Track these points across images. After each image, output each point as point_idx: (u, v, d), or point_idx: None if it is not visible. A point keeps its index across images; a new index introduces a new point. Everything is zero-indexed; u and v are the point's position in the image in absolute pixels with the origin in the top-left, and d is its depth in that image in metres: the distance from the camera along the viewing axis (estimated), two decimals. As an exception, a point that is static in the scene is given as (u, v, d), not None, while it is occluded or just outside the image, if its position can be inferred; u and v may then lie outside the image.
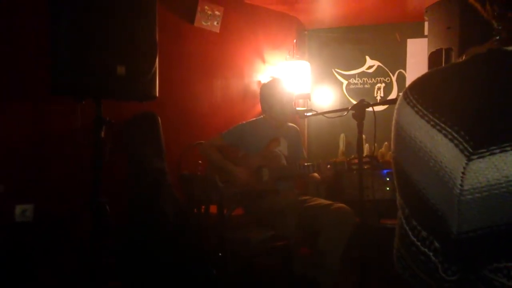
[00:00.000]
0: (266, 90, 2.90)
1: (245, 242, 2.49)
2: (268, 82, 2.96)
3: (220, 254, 2.50)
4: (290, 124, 3.02)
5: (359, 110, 2.16)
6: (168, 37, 3.13)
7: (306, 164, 2.75)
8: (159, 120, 3.02)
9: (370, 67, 4.13)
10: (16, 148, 2.57)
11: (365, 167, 2.48)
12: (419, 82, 0.72)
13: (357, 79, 4.16)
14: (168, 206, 2.85)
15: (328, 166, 2.61)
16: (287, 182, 2.83)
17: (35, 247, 2.50)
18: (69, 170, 2.71)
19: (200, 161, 2.97)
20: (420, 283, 0.72)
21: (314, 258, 2.57)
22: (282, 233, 2.53)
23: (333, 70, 4.21)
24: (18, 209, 2.50)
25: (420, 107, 0.68)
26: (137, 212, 2.81)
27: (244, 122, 2.95)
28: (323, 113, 2.65)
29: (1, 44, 2.56)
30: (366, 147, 3.60)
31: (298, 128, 3.07)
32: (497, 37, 0.74)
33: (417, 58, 3.91)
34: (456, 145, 0.62)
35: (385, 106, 3.63)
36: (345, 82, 4.19)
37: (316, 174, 2.79)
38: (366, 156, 2.53)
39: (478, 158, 0.60)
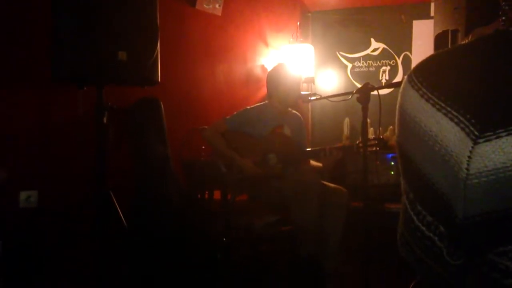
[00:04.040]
0: (272, 75, 2.88)
1: (249, 227, 2.50)
2: (274, 67, 2.94)
3: (224, 239, 2.52)
4: (294, 112, 3.00)
5: (363, 94, 2.13)
6: (169, 21, 3.10)
7: (313, 148, 2.74)
8: (162, 105, 3.01)
9: (375, 49, 4.08)
10: (19, 134, 2.58)
11: (373, 149, 2.47)
12: (424, 65, 0.71)
13: (361, 62, 4.12)
14: (173, 191, 2.86)
15: (338, 151, 2.61)
16: (295, 167, 2.83)
17: (40, 233, 2.53)
18: (73, 156, 2.72)
19: (203, 147, 2.96)
20: (425, 267, 0.72)
21: (316, 240, 2.58)
22: (298, 218, 2.50)
23: (337, 53, 4.17)
24: (23, 195, 2.52)
25: (425, 90, 0.66)
26: (143, 197, 2.83)
27: (249, 107, 2.94)
28: (327, 97, 2.63)
29: (2, 31, 2.54)
30: (370, 131, 3.58)
31: (301, 117, 3.05)
32: (504, 17, 0.73)
33: (423, 40, 3.86)
34: (462, 129, 0.61)
35: (390, 90, 3.60)
36: (349, 65, 4.15)
37: (317, 163, 2.78)
38: (374, 138, 2.52)
39: (485, 141, 0.59)
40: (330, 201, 2.58)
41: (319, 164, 2.78)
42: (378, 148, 2.50)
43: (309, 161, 2.85)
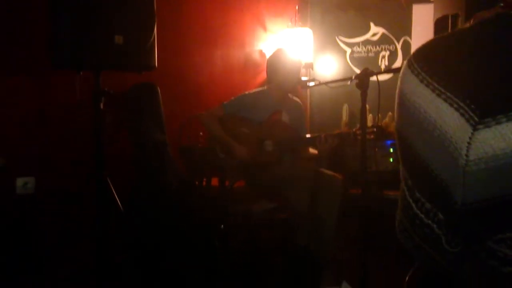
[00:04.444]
0: (271, 61, 2.86)
1: (247, 214, 2.51)
2: (273, 53, 2.91)
3: (222, 226, 2.52)
4: (295, 98, 2.98)
5: (362, 79, 2.11)
6: (166, 5, 3.06)
7: (310, 135, 2.73)
8: (159, 91, 2.99)
9: (374, 34, 4.04)
10: (16, 121, 2.56)
11: (371, 137, 2.45)
12: (424, 50, 0.70)
13: (361, 47, 4.08)
14: (171, 178, 2.86)
15: (334, 138, 2.59)
16: (292, 153, 2.82)
17: (36, 219, 2.53)
18: (71, 142, 2.71)
19: (201, 133, 2.95)
20: (423, 254, 0.71)
21: (311, 227, 2.59)
22: (292, 205, 2.51)
23: (336, 38, 4.13)
24: (20, 181, 2.51)
25: (424, 75, 0.65)
26: (141, 183, 2.83)
27: (247, 92, 2.92)
28: (326, 83, 2.61)
29: (1, 18, 2.51)
30: (369, 117, 3.57)
31: (301, 104, 3.03)
32: (502, 4, 0.71)
33: (423, 25, 3.82)
34: (462, 115, 0.60)
35: (390, 75, 3.58)
36: (348, 51, 4.11)
37: (314, 150, 2.78)
38: (372, 126, 2.51)
39: (484, 127, 0.58)
40: (324, 187, 2.58)
41: (315, 151, 2.77)
42: (375, 137, 2.49)
43: (308, 148, 2.85)
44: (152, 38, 2.32)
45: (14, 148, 2.53)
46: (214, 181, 2.62)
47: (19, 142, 2.57)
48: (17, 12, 2.55)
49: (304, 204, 2.48)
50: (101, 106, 2.30)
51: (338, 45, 4.13)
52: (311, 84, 2.86)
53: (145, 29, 2.30)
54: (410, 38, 3.94)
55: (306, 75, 3.89)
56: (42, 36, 2.24)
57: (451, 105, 0.61)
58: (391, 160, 3.29)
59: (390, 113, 3.62)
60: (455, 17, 2.36)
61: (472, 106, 0.59)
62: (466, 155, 0.59)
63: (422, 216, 0.68)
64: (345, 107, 3.89)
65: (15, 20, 2.55)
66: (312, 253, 2.54)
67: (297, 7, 3.97)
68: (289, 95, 2.93)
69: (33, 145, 2.61)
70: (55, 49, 2.11)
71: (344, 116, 3.89)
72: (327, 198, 2.57)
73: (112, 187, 2.31)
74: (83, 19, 2.11)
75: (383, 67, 4.02)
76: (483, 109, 0.59)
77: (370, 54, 4.06)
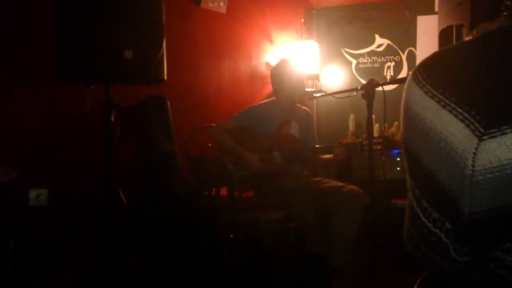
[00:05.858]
0: (276, 71, 2.88)
1: (256, 224, 2.51)
2: (277, 64, 2.94)
3: (231, 235, 2.53)
4: (303, 107, 3.00)
5: (368, 90, 2.13)
6: (175, 19, 3.11)
7: (317, 146, 2.74)
8: (168, 103, 3.02)
9: (379, 45, 4.07)
10: (29, 133, 2.60)
11: (378, 147, 2.46)
12: (428, 62, 0.71)
13: (366, 58, 4.10)
14: (180, 188, 2.87)
15: (340, 148, 2.60)
16: (298, 164, 2.83)
17: (49, 231, 2.55)
18: (82, 154, 2.74)
19: (209, 144, 2.97)
20: (431, 263, 0.72)
21: (328, 239, 2.58)
22: (298, 214, 2.51)
23: (342, 49, 4.15)
24: (33, 193, 2.53)
25: (429, 87, 0.66)
26: (150, 195, 2.84)
27: (256, 104, 2.94)
28: (332, 94, 2.63)
29: (10, 29, 2.56)
30: (376, 127, 3.57)
31: (310, 112, 3.04)
32: (505, 13, 0.73)
33: (427, 36, 3.84)
34: (467, 125, 0.61)
35: (395, 86, 3.59)
36: (354, 62, 4.13)
37: (325, 156, 2.78)
38: (379, 136, 2.52)
39: (490, 138, 0.59)
40: (344, 200, 2.57)
41: (328, 156, 2.77)
42: (382, 147, 2.49)
43: (317, 157, 2.85)
44: (161, 52, 2.34)
45: (26, 160, 2.56)
46: (223, 191, 2.63)
47: (32, 154, 2.60)
48: (27, 24, 2.60)
49: (304, 210, 2.49)
50: (112, 119, 2.32)
51: (344, 56, 4.15)
52: (318, 95, 2.88)
53: (154, 43, 2.32)
54: (415, 48, 3.96)
55: (312, 87, 3.92)
56: (52, 48, 2.28)
57: (456, 116, 0.62)
58: (398, 169, 3.29)
59: (396, 123, 3.62)
60: (459, 27, 2.38)
61: (477, 117, 0.60)
62: (472, 166, 0.60)
63: (430, 225, 0.68)
64: (352, 117, 3.90)
65: (25, 33, 2.60)
66: (322, 262, 2.54)
67: (303, 20, 4.01)
68: (297, 104, 2.95)
69: (46, 157, 2.64)
70: (64, 63, 2.14)
71: (351, 126, 3.89)
72: (348, 211, 2.55)
73: (123, 198, 2.33)
74: (93, 33, 2.14)
75: (388, 77, 4.03)
76: (488, 120, 0.60)
77: (376, 65, 4.08)
